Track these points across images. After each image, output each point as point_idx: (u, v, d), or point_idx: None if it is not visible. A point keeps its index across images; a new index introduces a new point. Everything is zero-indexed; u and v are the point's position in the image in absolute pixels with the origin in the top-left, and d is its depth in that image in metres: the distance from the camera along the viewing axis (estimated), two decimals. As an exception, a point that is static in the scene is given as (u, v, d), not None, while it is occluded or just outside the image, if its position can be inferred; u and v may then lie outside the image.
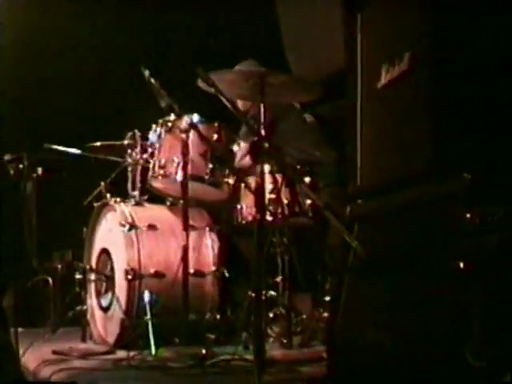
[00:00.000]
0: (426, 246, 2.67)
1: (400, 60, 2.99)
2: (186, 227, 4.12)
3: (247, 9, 6.34)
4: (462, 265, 2.38)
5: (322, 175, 4.60)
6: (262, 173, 3.41)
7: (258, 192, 3.54)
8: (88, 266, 4.71)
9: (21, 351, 3.80)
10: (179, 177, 4.26)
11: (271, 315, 4.33)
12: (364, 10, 3.42)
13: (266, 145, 3.29)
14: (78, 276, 4.72)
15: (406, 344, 2.67)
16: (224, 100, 3.41)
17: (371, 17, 3.37)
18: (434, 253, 2.59)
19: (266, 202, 3.99)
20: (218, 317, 4.50)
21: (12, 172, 5.46)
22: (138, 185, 4.72)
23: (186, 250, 4.09)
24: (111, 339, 4.44)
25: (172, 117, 4.40)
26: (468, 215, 2.40)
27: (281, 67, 5.32)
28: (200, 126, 4.31)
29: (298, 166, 4.34)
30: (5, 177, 5.55)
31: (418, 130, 2.82)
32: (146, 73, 4.40)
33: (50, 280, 5.66)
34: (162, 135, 4.44)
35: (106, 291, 4.63)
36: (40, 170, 5.69)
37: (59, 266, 5.71)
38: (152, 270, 4.36)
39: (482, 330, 2.35)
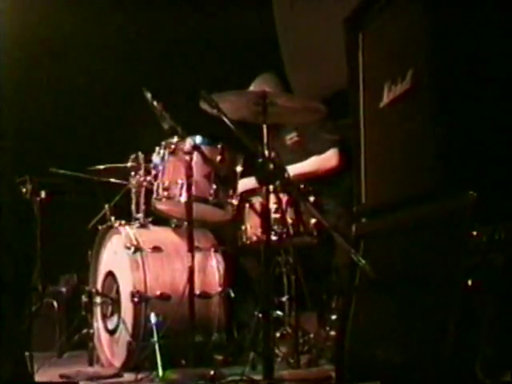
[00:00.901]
0: (433, 263, 2.68)
1: (402, 78, 3.01)
2: (192, 248, 4.12)
3: (251, 29, 6.37)
4: (469, 282, 2.39)
5: (330, 196, 4.64)
6: (268, 193, 3.43)
7: (263, 212, 3.54)
8: (94, 289, 4.71)
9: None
10: (183, 198, 4.26)
11: (278, 335, 4.32)
12: (365, 29, 3.45)
13: (271, 166, 3.31)
14: (84, 299, 4.70)
15: (416, 361, 2.67)
16: (228, 122, 3.43)
17: (373, 36, 3.40)
18: (441, 271, 2.59)
19: (271, 221, 4.00)
20: (225, 337, 4.49)
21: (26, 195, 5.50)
22: (142, 207, 4.73)
23: (191, 271, 4.08)
24: (118, 362, 4.44)
25: (175, 139, 4.40)
26: (474, 233, 2.41)
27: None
28: (203, 148, 4.32)
29: (302, 186, 4.36)
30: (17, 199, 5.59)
31: (422, 148, 2.83)
32: (148, 95, 4.41)
33: (55, 303, 5.66)
34: (166, 157, 4.44)
35: (112, 314, 4.62)
36: (43, 194, 5.70)
37: (64, 290, 5.70)
38: (158, 292, 4.36)
39: (492, 347, 2.35)
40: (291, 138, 5.01)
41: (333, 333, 4.25)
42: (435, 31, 2.80)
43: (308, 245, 4.40)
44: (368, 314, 3.09)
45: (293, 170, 4.58)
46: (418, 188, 2.84)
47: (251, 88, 5.03)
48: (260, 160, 3.34)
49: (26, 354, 3.39)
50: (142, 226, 4.67)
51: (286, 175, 3.55)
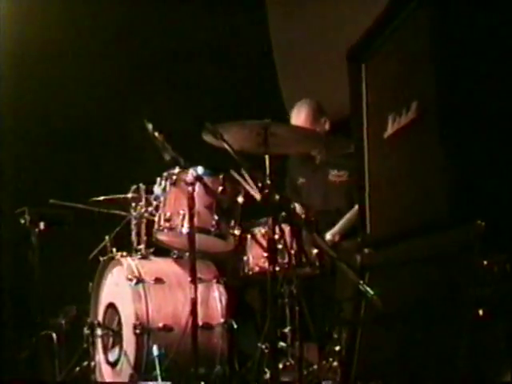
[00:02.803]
0: (442, 294, 2.67)
1: (407, 109, 3.02)
2: (194, 280, 4.10)
3: (251, 59, 6.42)
4: (480, 313, 2.38)
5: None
6: (274, 224, 3.43)
7: (267, 243, 3.55)
8: (96, 321, 4.68)
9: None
10: (185, 229, 4.26)
11: (281, 366, 4.28)
12: (368, 60, 3.46)
13: (277, 196, 3.31)
14: (86, 331, 4.67)
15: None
16: (232, 153, 3.45)
17: (376, 67, 3.41)
18: (451, 301, 2.59)
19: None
20: (228, 369, 4.47)
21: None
22: (144, 238, 4.72)
23: (194, 302, 4.06)
24: (120, 394, 4.41)
25: (177, 170, 4.40)
26: (485, 263, 2.41)
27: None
28: (205, 179, 4.33)
29: (303, 216, 4.36)
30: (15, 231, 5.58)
31: (428, 178, 2.83)
32: (150, 126, 4.42)
33: (55, 336, 5.61)
34: (167, 188, 4.44)
35: (113, 346, 4.59)
36: (42, 225, 5.67)
37: (63, 322, 5.66)
38: (160, 324, 4.33)
39: (504, 378, 2.34)
40: (339, 175, 5.05)
41: (335, 364, 4.23)
42: (440, 62, 2.81)
43: (310, 275, 4.39)
44: (375, 345, 3.08)
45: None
46: (426, 218, 2.84)
47: (293, 116, 5.16)
48: (265, 191, 3.35)
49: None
50: (144, 257, 4.66)
51: (292, 206, 3.56)
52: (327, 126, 5.21)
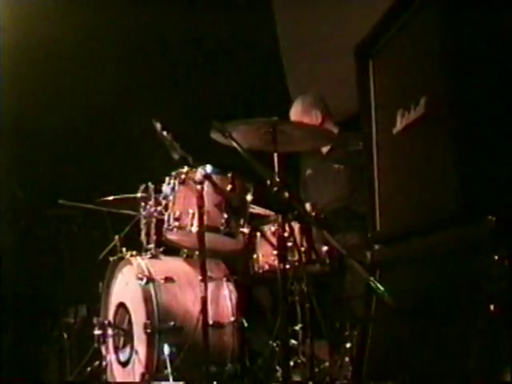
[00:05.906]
0: (453, 290, 2.66)
1: (416, 105, 3.01)
2: (204, 279, 4.09)
3: (259, 57, 6.43)
4: (492, 308, 2.37)
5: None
6: (283, 221, 3.42)
7: (277, 240, 3.55)
8: (106, 321, 4.68)
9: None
10: (195, 228, 4.25)
11: (292, 364, 4.29)
12: (376, 56, 3.45)
13: (286, 194, 3.31)
14: (97, 331, 4.68)
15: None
16: (241, 150, 3.44)
17: (383, 63, 3.40)
18: (462, 297, 2.58)
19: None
20: (239, 367, 4.46)
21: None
22: (153, 237, 4.72)
23: (204, 301, 4.06)
24: (131, 394, 4.41)
25: (185, 169, 4.40)
26: (496, 258, 2.40)
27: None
28: (214, 177, 4.32)
29: (313, 213, 4.37)
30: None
31: (438, 173, 2.82)
32: (158, 126, 4.43)
33: (66, 336, 5.63)
34: (176, 187, 4.43)
35: (124, 346, 4.59)
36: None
37: (74, 322, 5.68)
38: (171, 323, 4.33)
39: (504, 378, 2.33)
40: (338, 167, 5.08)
41: (347, 360, 4.23)
42: (449, 56, 2.79)
43: (320, 273, 4.39)
44: (386, 341, 3.07)
45: None
46: (436, 214, 2.82)
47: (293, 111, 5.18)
48: (275, 189, 3.34)
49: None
50: (154, 256, 4.65)
51: (301, 203, 3.55)
52: (318, 119, 5.24)
